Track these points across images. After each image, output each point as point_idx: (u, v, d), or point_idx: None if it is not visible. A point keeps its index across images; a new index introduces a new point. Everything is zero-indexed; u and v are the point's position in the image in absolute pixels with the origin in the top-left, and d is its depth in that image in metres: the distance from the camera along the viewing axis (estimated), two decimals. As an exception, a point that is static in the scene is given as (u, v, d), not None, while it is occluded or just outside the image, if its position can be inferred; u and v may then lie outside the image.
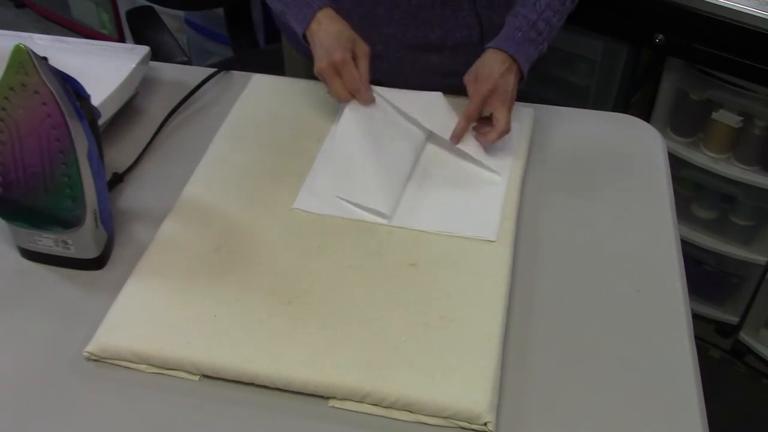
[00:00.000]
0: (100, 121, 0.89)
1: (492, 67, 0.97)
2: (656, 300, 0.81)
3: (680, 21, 1.47)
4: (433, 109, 1.02)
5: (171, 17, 2.31)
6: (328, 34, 0.96)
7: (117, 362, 0.74)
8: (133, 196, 0.94)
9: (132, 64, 1.05)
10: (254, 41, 1.88)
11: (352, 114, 0.98)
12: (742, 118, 1.55)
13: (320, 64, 0.95)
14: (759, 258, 1.67)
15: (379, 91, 1.00)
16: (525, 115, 1.05)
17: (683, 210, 1.73)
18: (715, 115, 1.57)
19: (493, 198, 0.91)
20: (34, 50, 0.72)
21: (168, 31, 1.62)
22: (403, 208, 0.90)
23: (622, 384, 0.73)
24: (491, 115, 0.97)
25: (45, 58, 0.74)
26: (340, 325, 0.76)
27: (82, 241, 0.81)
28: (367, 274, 0.81)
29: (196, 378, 0.73)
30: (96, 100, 0.89)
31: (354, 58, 0.96)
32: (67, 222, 0.80)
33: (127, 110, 1.06)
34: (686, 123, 1.65)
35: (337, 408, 0.71)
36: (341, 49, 0.95)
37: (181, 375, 0.73)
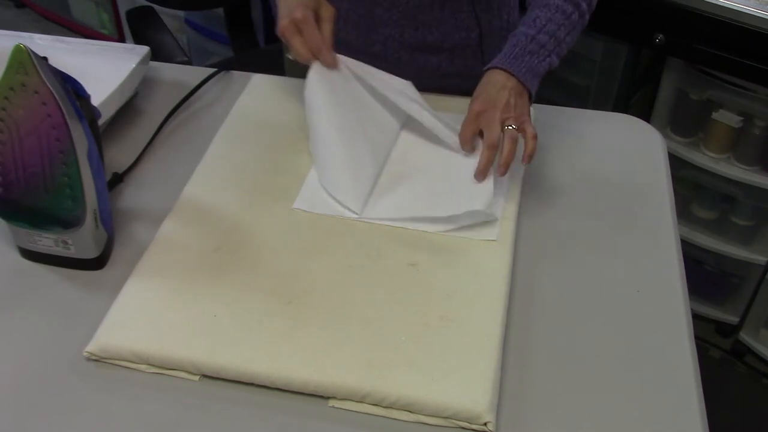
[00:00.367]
0: (100, 121, 0.89)
1: (485, 86, 0.95)
2: (656, 300, 0.81)
3: (680, 21, 1.47)
4: (403, 94, 1.00)
5: (171, 17, 2.31)
6: None
7: (117, 362, 0.74)
8: (133, 196, 0.94)
9: (132, 64, 1.05)
10: (254, 41, 1.88)
11: (316, 85, 0.96)
12: (742, 118, 1.55)
13: (282, 22, 0.93)
14: (759, 258, 1.67)
15: (345, 60, 0.99)
16: (525, 115, 1.05)
17: (683, 210, 1.73)
18: (715, 115, 1.57)
19: (493, 198, 0.91)
20: (34, 50, 0.72)
21: (168, 31, 1.62)
22: (402, 208, 0.90)
23: (622, 384, 0.73)
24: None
25: (45, 58, 0.74)
26: (340, 325, 0.76)
27: (82, 241, 0.81)
28: (367, 274, 0.81)
29: (196, 378, 0.73)
30: (96, 100, 0.89)
31: (318, 20, 0.94)
32: (67, 222, 0.80)
33: (127, 110, 1.06)
34: (686, 123, 1.65)
35: (337, 408, 0.71)
36: (303, 7, 0.93)
37: (181, 375, 0.73)
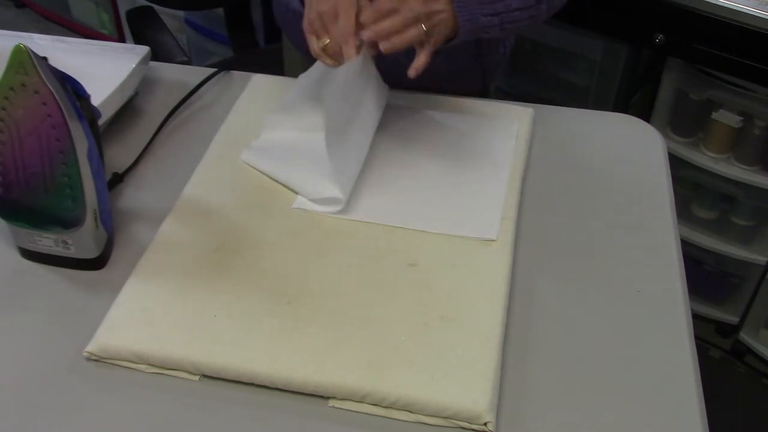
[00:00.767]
0: (100, 121, 0.89)
1: None
2: (656, 300, 0.81)
3: (680, 21, 1.47)
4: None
5: (171, 17, 2.31)
6: None
7: (117, 362, 0.74)
8: (133, 196, 0.94)
9: (132, 64, 1.05)
10: (254, 41, 1.88)
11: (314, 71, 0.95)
12: (742, 118, 1.55)
13: (307, 17, 0.89)
14: (759, 258, 1.67)
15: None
16: (525, 115, 1.05)
17: (683, 210, 1.73)
18: (715, 115, 1.57)
19: (493, 198, 0.91)
20: (34, 50, 0.72)
21: (168, 31, 1.62)
22: (402, 208, 0.90)
23: (622, 384, 0.73)
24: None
25: (45, 58, 0.74)
26: (340, 325, 0.76)
27: (82, 241, 0.81)
28: (367, 274, 0.81)
29: (196, 378, 0.73)
30: (96, 100, 0.89)
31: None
32: (67, 222, 0.80)
33: (127, 110, 1.06)
34: (686, 123, 1.65)
35: (337, 408, 0.71)
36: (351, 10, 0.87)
37: (181, 375, 0.73)
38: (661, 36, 1.51)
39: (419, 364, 0.72)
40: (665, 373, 0.74)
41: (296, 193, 0.92)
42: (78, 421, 0.69)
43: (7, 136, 0.75)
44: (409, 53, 1.10)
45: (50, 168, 0.76)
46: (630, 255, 0.87)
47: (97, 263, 0.84)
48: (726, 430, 1.58)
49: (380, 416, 0.70)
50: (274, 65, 1.27)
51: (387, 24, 0.86)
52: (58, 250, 0.83)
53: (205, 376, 0.73)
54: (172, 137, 1.04)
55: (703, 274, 1.80)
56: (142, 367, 0.73)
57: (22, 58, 0.72)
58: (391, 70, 1.01)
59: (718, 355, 1.82)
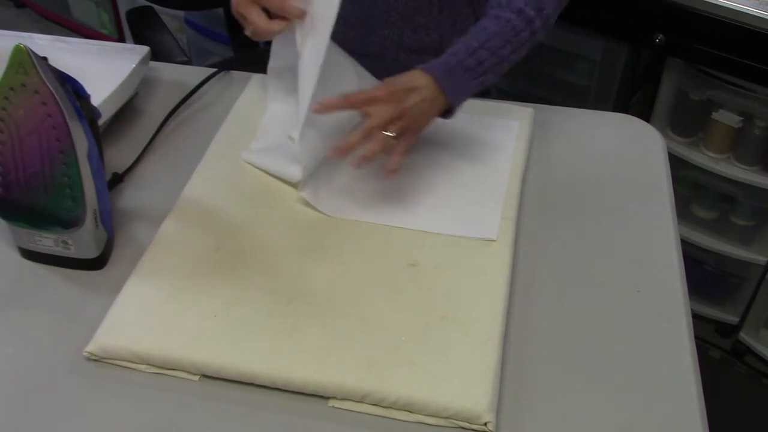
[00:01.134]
0: (100, 121, 0.89)
1: (403, 78, 0.88)
2: (656, 300, 0.81)
3: (680, 21, 1.47)
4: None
5: (171, 17, 2.31)
6: None
7: (117, 362, 0.74)
8: (133, 196, 0.94)
9: (132, 64, 1.05)
10: (254, 41, 1.88)
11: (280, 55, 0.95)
12: (742, 118, 1.55)
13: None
14: (759, 258, 1.67)
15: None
16: (525, 115, 1.05)
17: (683, 210, 1.73)
18: (715, 115, 1.57)
19: (493, 198, 0.91)
20: (34, 50, 0.72)
21: (168, 31, 1.62)
22: (402, 208, 0.90)
23: (622, 384, 0.73)
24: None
25: (45, 58, 0.74)
26: (340, 325, 0.76)
27: (82, 241, 0.81)
28: (367, 274, 0.81)
29: (196, 378, 0.73)
30: (96, 100, 0.89)
31: None
32: (67, 222, 0.80)
33: (127, 110, 1.06)
34: (686, 123, 1.65)
35: (337, 408, 0.71)
36: None
37: (181, 375, 0.73)
38: (661, 36, 1.51)
39: (419, 364, 0.72)
40: (665, 373, 0.74)
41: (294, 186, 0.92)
42: (78, 421, 0.69)
43: (7, 136, 0.75)
44: (409, 55, 1.10)
45: (50, 168, 0.76)
46: (630, 255, 0.87)
47: (97, 263, 0.84)
48: (726, 430, 1.58)
49: (380, 416, 0.70)
50: (274, 65, 1.27)
51: (351, 140, 0.84)
52: (58, 250, 0.83)
53: (205, 376, 0.73)
54: (172, 137, 1.04)
55: (703, 274, 1.80)
56: (142, 367, 0.73)
57: (22, 58, 0.72)
58: (388, 72, 1.01)
59: (718, 355, 1.82)
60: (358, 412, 0.70)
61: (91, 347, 0.74)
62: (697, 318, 1.65)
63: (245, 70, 1.16)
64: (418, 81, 0.87)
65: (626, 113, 1.11)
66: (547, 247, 0.88)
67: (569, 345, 0.77)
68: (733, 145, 1.60)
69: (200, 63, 2.25)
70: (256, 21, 0.90)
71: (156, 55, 1.13)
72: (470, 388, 0.70)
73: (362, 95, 0.86)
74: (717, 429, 0.78)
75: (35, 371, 0.73)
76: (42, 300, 0.81)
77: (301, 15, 0.89)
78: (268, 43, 1.03)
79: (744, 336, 1.79)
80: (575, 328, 0.78)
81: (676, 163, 1.60)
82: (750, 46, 1.41)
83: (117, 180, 0.95)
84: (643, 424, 0.70)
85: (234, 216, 0.89)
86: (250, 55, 1.82)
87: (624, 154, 1.02)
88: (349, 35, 1.09)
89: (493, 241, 0.85)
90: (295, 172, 0.92)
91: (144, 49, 1.08)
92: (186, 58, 1.51)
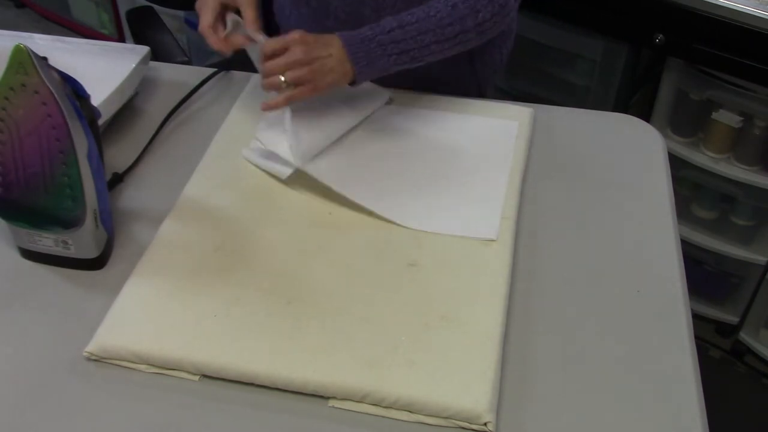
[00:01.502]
0: (100, 121, 0.89)
1: (319, 35, 0.91)
2: (656, 300, 0.81)
3: (680, 21, 1.47)
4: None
5: (171, 17, 2.30)
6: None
7: (117, 362, 0.74)
8: (133, 196, 0.94)
9: (132, 64, 1.05)
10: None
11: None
12: (742, 118, 1.55)
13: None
14: (759, 258, 1.67)
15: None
16: (525, 115, 1.05)
17: (683, 210, 1.73)
18: (715, 115, 1.57)
19: (493, 198, 0.91)
20: (34, 50, 0.72)
21: (168, 31, 1.62)
22: (402, 206, 0.90)
23: (622, 384, 0.73)
24: None
25: (45, 58, 0.74)
26: (340, 325, 0.76)
27: (82, 241, 0.81)
28: (367, 274, 0.81)
29: (196, 378, 0.73)
30: (96, 100, 0.89)
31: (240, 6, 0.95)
32: (67, 222, 0.80)
33: (127, 110, 1.06)
34: (686, 123, 1.65)
35: (337, 408, 0.71)
36: (210, 11, 0.95)
37: (181, 375, 0.73)
38: (661, 36, 1.51)
39: (419, 364, 0.72)
40: (665, 373, 0.74)
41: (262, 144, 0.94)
42: (78, 421, 0.69)
43: (7, 136, 0.75)
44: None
45: (50, 168, 0.76)
46: (630, 255, 0.87)
47: (97, 263, 0.84)
48: (726, 430, 1.58)
49: (380, 416, 0.70)
50: (274, 65, 1.27)
51: (270, 64, 0.90)
52: (58, 250, 0.83)
53: (205, 376, 0.73)
54: (172, 137, 1.04)
55: (703, 274, 1.80)
56: (142, 367, 0.73)
57: (22, 58, 0.72)
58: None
59: (718, 355, 1.82)
60: (358, 412, 0.70)
61: (91, 347, 0.74)
62: (697, 318, 1.65)
63: (245, 70, 1.16)
64: (330, 41, 0.91)
65: (626, 113, 1.11)
66: (547, 247, 0.88)
67: (569, 345, 0.77)
68: (733, 145, 1.60)
69: (200, 63, 2.25)
70: (217, 46, 0.97)
71: (156, 55, 1.13)
72: (470, 388, 0.70)
73: (278, 42, 0.90)
74: (717, 429, 0.78)
75: (35, 371, 0.73)
76: (42, 300, 0.81)
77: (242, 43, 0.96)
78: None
79: (744, 336, 1.79)
80: (575, 328, 0.78)
81: (676, 163, 1.60)
82: (750, 46, 1.41)
83: (117, 180, 0.95)
84: (643, 425, 0.70)
85: (234, 216, 0.89)
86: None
87: (624, 154, 1.02)
88: (338, 31, 1.08)
89: (493, 241, 0.85)
90: (292, 171, 0.92)
91: (144, 49, 1.08)
92: (186, 58, 1.51)
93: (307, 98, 0.91)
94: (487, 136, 1.01)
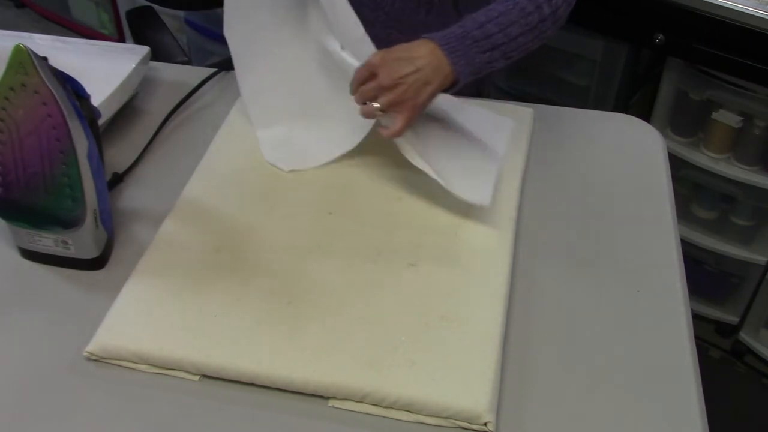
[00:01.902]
0: (100, 121, 0.89)
1: (400, 46, 0.86)
2: (656, 300, 0.81)
3: (680, 21, 1.47)
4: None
5: (171, 17, 2.30)
6: None
7: (117, 362, 0.74)
8: (133, 196, 0.94)
9: (132, 64, 1.05)
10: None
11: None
12: (742, 118, 1.55)
13: None
14: (759, 258, 1.67)
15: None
16: (525, 115, 1.05)
17: (683, 210, 1.73)
18: (715, 115, 1.57)
19: (491, 164, 0.90)
20: (34, 50, 0.73)
21: (168, 31, 1.62)
22: (406, 139, 0.88)
23: (622, 384, 0.73)
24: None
25: (45, 58, 0.74)
26: (340, 325, 0.76)
27: (82, 241, 0.81)
28: (367, 274, 0.81)
29: (196, 378, 0.73)
30: (96, 100, 0.88)
31: None
32: (67, 222, 0.80)
33: (127, 110, 1.06)
34: (686, 123, 1.65)
35: (337, 408, 0.71)
36: None
37: (181, 375, 0.73)
38: (661, 36, 1.51)
39: (419, 363, 0.72)
40: (665, 373, 0.74)
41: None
42: (78, 421, 0.69)
43: (7, 136, 0.75)
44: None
45: (50, 168, 0.76)
46: (630, 255, 0.87)
47: (97, 263, 0.84)
48: (726, 430, 1.58)
49: (380, 416, 0.70)
50: (274, 65, 1.27)
51: (360, 93, 0.87)
52: (58, 250, 0.83)
53: (205, 376, 0.73)
54: (172, 137, 1.04)
55: (703, 274, 1.80)
56: (142, 367, 0.73)
57: (22, 58, 0.72)
58: None
59: (718, 355, 1.82)
60: (358, 412, 0.70)
61: (91, 347, 0.74)
62: (697, 318, 1.65)
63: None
64: (415, 51, 0.85)
65: (626, 113, 1.11)
66: (547, 247, 0.88)
67: (569, 345, 0.77)
68: (733, 145, 1.60)
69: (200, 63, 2.25)
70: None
71: (156, 55, 1.13)
72: (470, 388, 0.70)
73: (366, 69, 0.86)
74: (717, 429, 0.78)
75: (35, 371, 0.73)
76: (42, 300, 0.81)
77: None
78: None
79: (744, 336, 1.79)
80: (575, 328, 0.78)
81: (676, 163, 1.60)
82: (750, 46, 1.41)
83: (117, 180, 0.95)
84: (644, 425, 0.70)
85: (234, 216, 0.89)
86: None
87: (624, 154, 1.02)
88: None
89: (492, 241, 0.85)
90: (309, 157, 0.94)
91: (144, 49, 1.08)
92: (186, 58, 1.51)
93: (415, 117, 0.87)
94: (487, 117, 1.00)
